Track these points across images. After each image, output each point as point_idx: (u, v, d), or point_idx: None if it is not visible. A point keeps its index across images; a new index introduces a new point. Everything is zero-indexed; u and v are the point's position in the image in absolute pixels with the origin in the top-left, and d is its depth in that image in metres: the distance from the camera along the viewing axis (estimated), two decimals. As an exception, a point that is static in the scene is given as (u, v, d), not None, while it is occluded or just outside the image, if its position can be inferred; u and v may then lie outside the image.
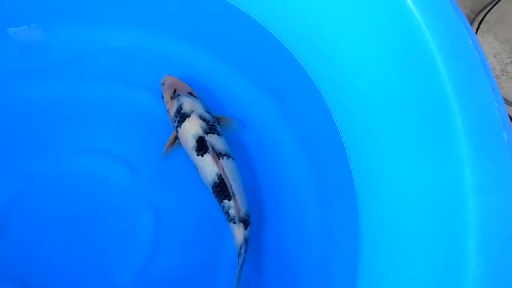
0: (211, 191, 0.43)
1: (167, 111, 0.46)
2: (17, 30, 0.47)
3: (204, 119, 0.44)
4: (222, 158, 0.42)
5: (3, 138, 0.44)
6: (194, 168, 0.44)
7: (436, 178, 0.29)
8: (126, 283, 0.41)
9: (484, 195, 0.25)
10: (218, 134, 0.44)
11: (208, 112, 0.46)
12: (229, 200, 0.41)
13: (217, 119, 0.46)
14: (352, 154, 0.44)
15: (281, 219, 0.45)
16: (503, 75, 0.69)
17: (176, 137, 0.46)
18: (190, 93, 0.46)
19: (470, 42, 0.28)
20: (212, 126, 0.45)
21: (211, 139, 0.43)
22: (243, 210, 0.41)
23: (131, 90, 0.48)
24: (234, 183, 0.41)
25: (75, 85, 0.47)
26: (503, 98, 0.64)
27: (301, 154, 0.47)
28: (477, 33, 0.70)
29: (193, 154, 0.43)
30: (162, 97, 0.47)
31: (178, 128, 0.45)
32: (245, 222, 0.41)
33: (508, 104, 0.64)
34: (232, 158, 0.43)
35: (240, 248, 0.40)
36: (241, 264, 0.39)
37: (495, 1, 0.73)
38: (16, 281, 0.40)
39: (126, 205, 0.44)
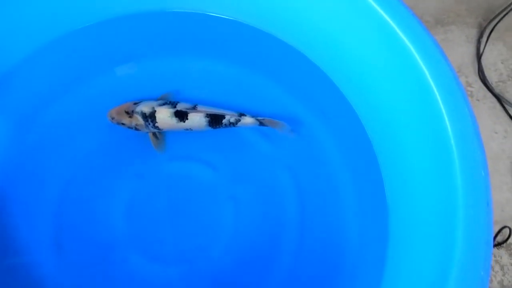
0: (211, 128, 0.54)
1: (136, 128, 0.54)
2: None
3: (163, 104, 0.54)
4: (195, 108, 0.54)
5: (123, 148, 0.57)
6: (181, 132, 0.55)
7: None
8: (216, 254, 0.54)
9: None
10: (178, 102, 0.55)
11: (157, 100, 0.55)
12: (224, 117, 0.53)
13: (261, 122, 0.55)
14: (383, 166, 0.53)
15: (322, 220, 0.56)
16: (509, 80, 0.74)
17: (154, 134, 0.55)
18: (136, 103, 0.54)
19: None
20: (170, 102, 0.55)
21: (179, 106, 0.54)
22: (235, 112, 0.54)
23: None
24: (214, 110, 0.54)
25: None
26: (508, 101, 0.75)
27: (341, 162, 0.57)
28: (488, 41, 0.76)
29: (181, 124, 0.54)
30: (123, 125, 0.54)
31: (156, 124, 0.53)
32: (243, 114, 0.54)
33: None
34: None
35: (257, 120, 0.54)
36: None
37: (507, 11, 0.77)
38: (141, 252, 0.54)
39: (211, 196, 0.56)
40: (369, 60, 0.51)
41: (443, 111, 0.43)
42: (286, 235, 0.55)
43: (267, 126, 0.55)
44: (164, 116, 0.53)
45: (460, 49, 0.79)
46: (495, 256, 0.65)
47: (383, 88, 0.50)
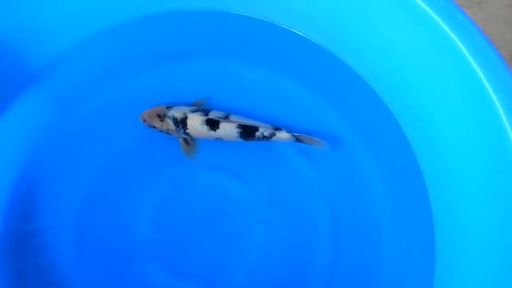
0: (242, 140, 0.52)
1: (168, 132, 0.53)
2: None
3: (196, 111, 0.52)
4: (228, 117, 0.52)
5: (158, 150, 0.56)
6: (217, 141, 0.53)
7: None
8: (239, 278, 0.51)
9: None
10: (211, 110, 0.53)
11: (190, 106, 0.54)
12: (258, 130, 0.51)
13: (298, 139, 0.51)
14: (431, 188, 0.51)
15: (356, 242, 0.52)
16: None
17: (185, 140, 0.54)
18: (169, 107, 0.53)
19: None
20: (203, 109, 0.53)
21: (212, 114, 0.52)
22: (270, 125, 0.52)
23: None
24: (248, 121, 0.51)
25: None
26: None
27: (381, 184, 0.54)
28: None
29: (212, 133, 0.51)
30: (154, 128, 0.53)
31: (187, 131, 0.52)
32: (279, 128, 0.51)
33: None
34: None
35: (293, 136, 0.51)
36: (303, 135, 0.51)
37: None
38: (160, 261, 0.52)
39: (242, 216, 0.53)
40: (428, 83, 0.47)
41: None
42: (315, 269, 0.52)
43: (304, 143, 0.52)
44: (195, 123, 0.52)
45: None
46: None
47: (441, 115, 0.47)
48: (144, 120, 0.54)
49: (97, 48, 0.57)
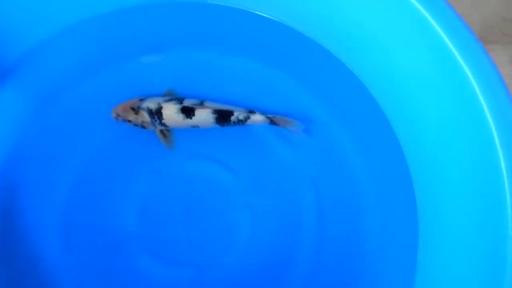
0: (219, 126, 0.52)
1: (143, 126, 0.53)
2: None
3: (170, 100, 0.52)
4: (202, 103, 0.52)
5: (141, 142, 0.55)
6: (194, 130, 0.53)
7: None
8: (229, 262, 0.52)
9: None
10: (185, 98, 0.53)
11: (163, 96, 0.54)
12: (233, 114, 0.51)
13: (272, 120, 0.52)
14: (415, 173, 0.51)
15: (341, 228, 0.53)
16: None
17: (162, 131, 0.54)
18: (142, 99, 0.53)
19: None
20: (177, 98, 0.53)
21: (186, 102, 0.52)
22: (244, 109, 0.52)
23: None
24: (222, 106, 0.52)
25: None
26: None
27: (364, 167, 0.55)
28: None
29: (188, 121, 0.51)
30: (129, 122, 0.53)
31: (163, 121, 0.52)
32: (253, 111, 0.52)
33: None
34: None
35: (267, 117, 0.51)
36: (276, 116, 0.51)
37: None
38: (150, 252, 0.52)
39: (228, 201, 0.54)
40: (406, 63, 0.48)
41: (496, 140, 0.40)
42: (303, 250, 0.53)
43: (278, 125, 0.52)
44: (171, 113, 0.51)
45: (502, 71, 0.74)
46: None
47: (420, 94, 0.48)
48: (118, 115, 0.53)
49: (73, 40, 0.56)
